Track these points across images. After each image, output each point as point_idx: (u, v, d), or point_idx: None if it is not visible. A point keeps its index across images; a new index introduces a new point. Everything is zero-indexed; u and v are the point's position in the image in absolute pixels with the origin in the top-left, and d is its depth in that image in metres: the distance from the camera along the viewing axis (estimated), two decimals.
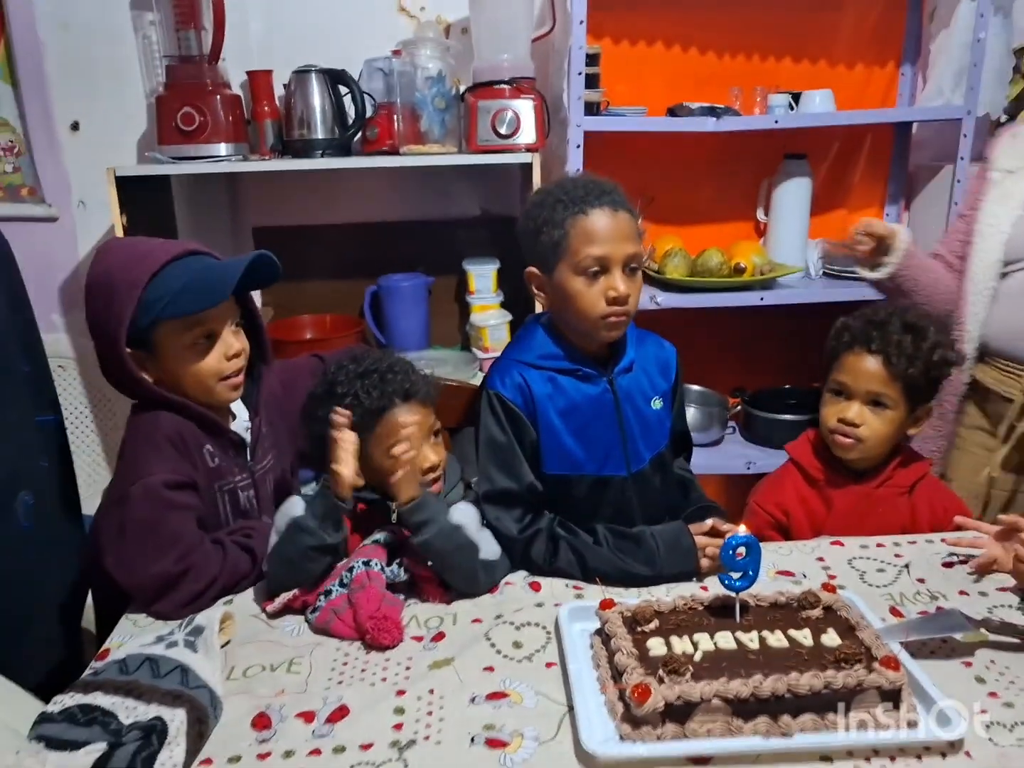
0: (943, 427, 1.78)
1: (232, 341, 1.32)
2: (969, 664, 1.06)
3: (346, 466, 1.21)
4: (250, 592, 1.26)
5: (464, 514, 1.27)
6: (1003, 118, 2.25)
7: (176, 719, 0.93)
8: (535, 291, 1.38)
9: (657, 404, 1.43)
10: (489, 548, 1.27)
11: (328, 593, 1.19)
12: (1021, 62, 2.18)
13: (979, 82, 2.09)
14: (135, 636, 1.16)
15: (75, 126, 2.32)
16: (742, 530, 1.10)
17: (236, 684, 1.06)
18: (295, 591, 1.21)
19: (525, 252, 1.37)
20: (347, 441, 1.23)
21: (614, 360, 1.38)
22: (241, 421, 1.41)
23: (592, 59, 2.11)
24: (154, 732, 0.91)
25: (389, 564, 1.24)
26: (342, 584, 1.20)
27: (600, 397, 1.37)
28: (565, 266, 1.30)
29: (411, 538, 1.23)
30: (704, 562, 1.28)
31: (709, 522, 1.31)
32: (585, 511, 1.36)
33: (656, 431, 1.44)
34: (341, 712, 1.00)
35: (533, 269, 1.37)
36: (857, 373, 1.45)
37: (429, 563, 1.23)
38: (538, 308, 2.18)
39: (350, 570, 1.21)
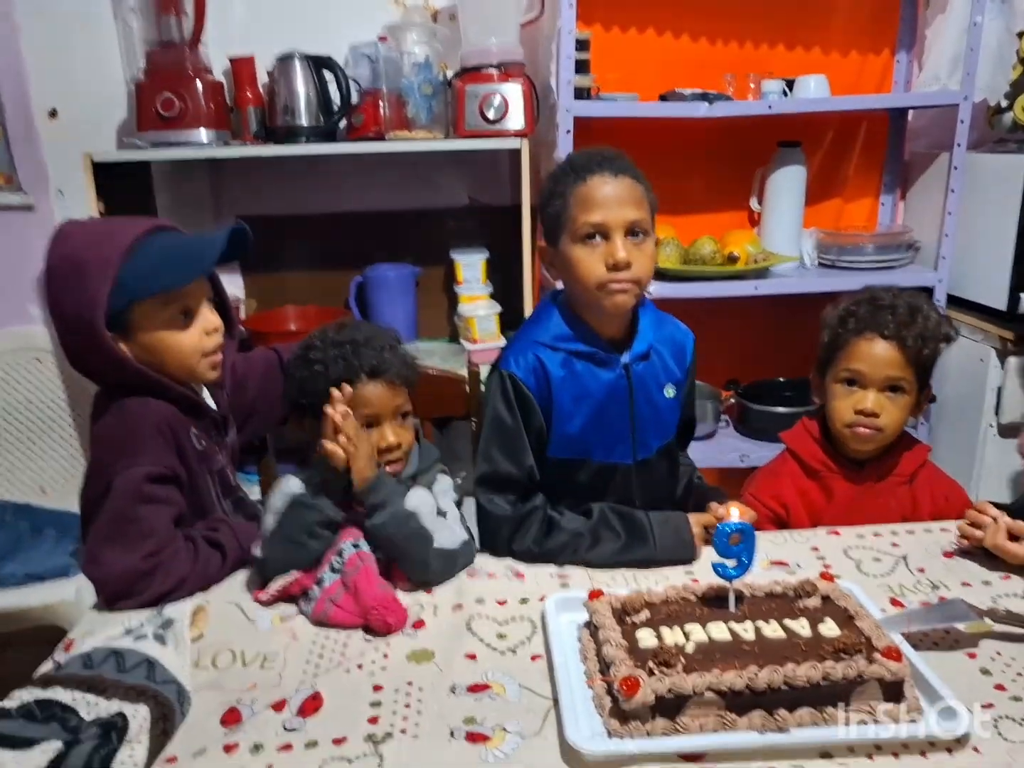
0: None
1: (210, 316, 1.29)
2: (974, 656, 1.01)
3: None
4: (228, 581, 1.21)
5: (420, 501, 1.22)
6: (1002, 103, 2.20)
7: (139, 715, 0.88)
8: (546, 266, 1.36)
9: (670, 392, 1.39)
10: (449, 537, 1.22)
11: (320, 582, 1.13)
12: (1022, 46, 2.13)
13: (976, 67, 2.05)
14: (102, 627, 1.10)
15: (53, 113, 2.27)
16: (735, 516, 1.05)
17: (206, 678, 1.01)
18: (295, 575, 1.15)
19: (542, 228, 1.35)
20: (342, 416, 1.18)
21: (630, 344, 1.34)
22: (207, 398, 1.36)
23: (582, 45, 2.07)
24: (114, 729, 0.85)
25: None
26: (333, 570, 1.14)
27: (615, 383, 1.33)
28: (567, 236, 1.28)
29: (364, 520, 1.18)
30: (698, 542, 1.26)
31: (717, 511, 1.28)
32: (586, 497, 1.33)
33: (667, 420, 1.41)
34: (315, 702, 0.95)
35: (543, 243, 1.35)
36: (873, 360, 1.40)
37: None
38: (527, 298, 2.15)
39: (340, 553, 1.15)
